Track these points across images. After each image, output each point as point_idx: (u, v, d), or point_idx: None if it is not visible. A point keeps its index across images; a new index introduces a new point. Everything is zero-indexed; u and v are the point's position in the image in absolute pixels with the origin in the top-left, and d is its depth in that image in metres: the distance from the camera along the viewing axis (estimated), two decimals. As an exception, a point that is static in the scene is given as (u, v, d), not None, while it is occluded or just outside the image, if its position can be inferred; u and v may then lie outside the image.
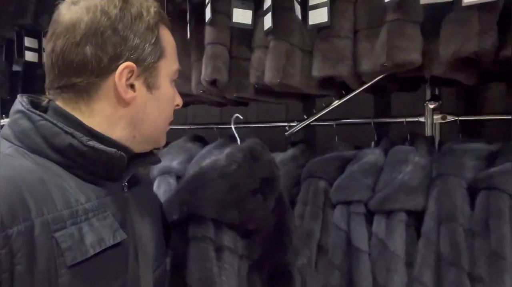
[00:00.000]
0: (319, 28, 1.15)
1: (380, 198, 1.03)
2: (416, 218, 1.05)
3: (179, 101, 0.71)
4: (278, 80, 1.17)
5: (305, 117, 1.39)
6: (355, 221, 1.05)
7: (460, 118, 1.20)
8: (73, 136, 0.56)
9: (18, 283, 0.48)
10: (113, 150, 0.59)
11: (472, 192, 1.02)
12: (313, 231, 1.12)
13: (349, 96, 1.29)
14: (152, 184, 0.85)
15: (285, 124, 1.46)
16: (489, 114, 1.29)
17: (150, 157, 0.70)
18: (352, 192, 1.09)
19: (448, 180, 1.04)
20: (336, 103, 1.34)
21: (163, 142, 0.71)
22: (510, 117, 1.12)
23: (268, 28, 1.17)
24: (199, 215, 0.77)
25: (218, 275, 0.76)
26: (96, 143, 0.58)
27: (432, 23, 1.03)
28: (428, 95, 1.25)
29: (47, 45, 0.62)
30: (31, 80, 1.89)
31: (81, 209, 0.55)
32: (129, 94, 0.61)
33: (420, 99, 1.34)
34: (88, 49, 0.58)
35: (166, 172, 1.25)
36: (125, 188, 0.65)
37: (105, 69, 0.59)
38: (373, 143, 1.27)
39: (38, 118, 0.57)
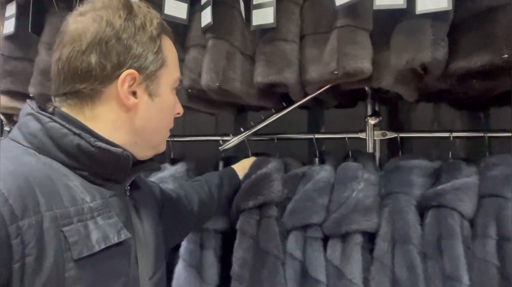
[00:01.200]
0: (263, 30, 1.04)
1: (336, 220, 0.92)
2: (368, 239, 0.97)
3: (179, 109, 0.73)
4: (217, 84, 1.02)
5: (242, 130, 1.24)
6: (312, 247, 0.92)
7: (401, 135, 1.17)
8: (81, 137, 0.59)
9: (28, 274, 0.49)
10: (119, 149, 0.61)
11: (421, 210, 0.97)
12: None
13: (291, 108, 1.19)
14: (151, 191, 0.83)
15: (218, 138, 1.30)
16: (416, 131, 1.31)
17: (150, 163, 0.71)
18: (309, 214, 0.97)
19: (399, 198, 0.97)
20: (275, 116, 1.23)
21: (163, 149, 0.72)
22: (448, 134, 1.12)
23: (207, 24, 1.02)
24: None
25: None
26: (103, 143, 0.60)
27: (379, 33, 0.99)
28: (369, 110, 1.20)
29: (54, 53, 0.64)
30: None
31: (86, 207, 0.57)
32: (131, 101, 0.63)
33: (353, 116, 1.31)
34: (93, 57, 0.61)
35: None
36: (127, 192, 0.67)
37: (108, 76, 0.61)
38: (316, 160, 1.18)
39: (47, 120, 0.59)
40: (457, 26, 0.90)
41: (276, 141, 1.23)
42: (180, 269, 1.03)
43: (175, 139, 1.38)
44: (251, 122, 1.25)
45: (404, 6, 0.89)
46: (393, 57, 0.93)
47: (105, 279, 0.57)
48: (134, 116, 0.64)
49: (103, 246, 0.56)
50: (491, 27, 0.83)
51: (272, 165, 1.06)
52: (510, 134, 1.03)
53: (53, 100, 0.65)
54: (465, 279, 0.87)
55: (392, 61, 0.94)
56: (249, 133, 1.23)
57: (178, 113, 0.73)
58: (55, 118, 0.60)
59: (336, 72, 0.97)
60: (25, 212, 0.50)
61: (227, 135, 1.28)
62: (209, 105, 1.20)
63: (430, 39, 0.88)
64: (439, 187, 0.97)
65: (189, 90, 1.09)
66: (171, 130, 0.73)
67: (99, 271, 0.55)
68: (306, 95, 1.14)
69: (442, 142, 1.15)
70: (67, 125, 0.59)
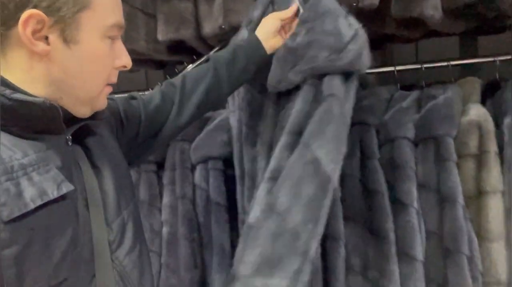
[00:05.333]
0: (159, -11, 1.14)
1: None
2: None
3: (125, 61, 0.63)
4: (121, 45, 1.13)
5: (159, 84, 1.37)
6: (213, 176, 1.11)
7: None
8: None
9: None
10: (41, 99, 0.54)
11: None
12: (185, 193, 1.16)
13: (201, 61, 1.31)
14: (107, 123, 0.73)
15: (141, 93, 1.42)
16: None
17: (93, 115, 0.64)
18: (210, 149, 1.14)
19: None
20: (190, 67, 1.35)
21: (102, 106, 0.64)
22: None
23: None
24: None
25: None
26: (22, 95, 0.53)
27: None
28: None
29: None
30: None
31: (17, 164, 0.52)
32: (38, 47, 0.55)
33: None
34: None
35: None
36: (69, 141, 0.61)
37: (10, 17, 0.53)
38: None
39: None
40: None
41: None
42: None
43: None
44: (167, 76, 1.38)
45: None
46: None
47: (46, 236, 0.53)
48: (49, 66, 0.56)
49: (39, 203, 0.52)
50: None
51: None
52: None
53: None
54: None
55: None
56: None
57: (124, 66, 0.63)
58: None
59: (224, 26, 1.09)
60: None
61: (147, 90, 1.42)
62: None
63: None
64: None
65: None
66: (120, 85, 0.61)
67: (37, 229, 0.52)
68: (210, 47, 1.27)
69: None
70: None
